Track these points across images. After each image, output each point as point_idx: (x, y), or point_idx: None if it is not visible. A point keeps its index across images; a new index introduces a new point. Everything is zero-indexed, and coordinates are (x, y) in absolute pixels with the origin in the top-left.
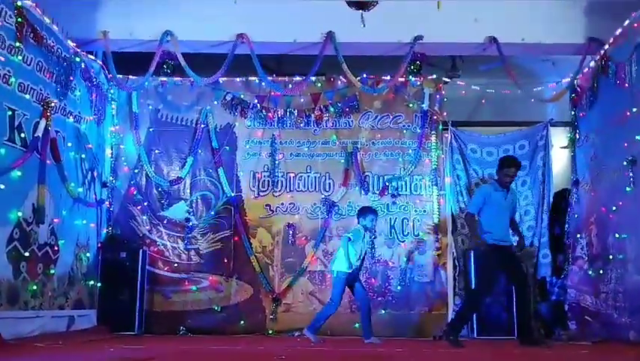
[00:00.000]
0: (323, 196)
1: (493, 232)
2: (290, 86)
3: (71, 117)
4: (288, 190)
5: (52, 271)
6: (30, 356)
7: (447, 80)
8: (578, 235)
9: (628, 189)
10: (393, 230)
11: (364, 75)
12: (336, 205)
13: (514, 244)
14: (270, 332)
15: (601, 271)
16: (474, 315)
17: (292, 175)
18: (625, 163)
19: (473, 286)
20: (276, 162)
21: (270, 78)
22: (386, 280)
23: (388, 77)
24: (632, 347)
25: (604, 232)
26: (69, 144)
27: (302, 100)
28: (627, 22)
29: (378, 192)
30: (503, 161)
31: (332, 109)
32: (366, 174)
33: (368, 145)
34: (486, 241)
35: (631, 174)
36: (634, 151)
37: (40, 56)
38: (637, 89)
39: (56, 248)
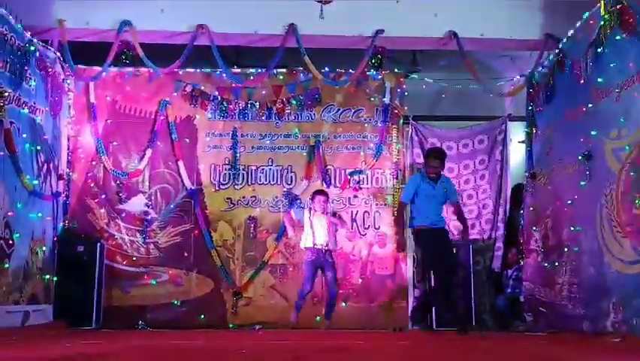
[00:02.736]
0: (285, 189)
1: (417, 217)
2: (251, 78)
3: (26, 108)
4: (249, 183)
5: (6, 266)
6: None
7: (408, 74)
8: (533, 228)
9: (582, 183)
10: (354, 223)
11: (326, 69)
12: (298, 198)
13: (445, 228)
14: (231, 325)
15: (556, 264)
16: (429, 296)
17: (254, 168)
18: (580, 158)
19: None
20: (238, 154)
21: (232, 70)
22: (347, 272)
23: (350, 71)
24: (585, 337)
25: (559, 225)
26: (24, 136)
27: (263, 92)
28: (583, 18)
29: (339, 185)
30: (427, 152)
31: (294, 102)
32: (328, 167)
33: (330, 138)
34: (412, 227)
35: (586, 169)
36: (589, 146)
37: None
38: (592, 85)
39: (11, 242)
